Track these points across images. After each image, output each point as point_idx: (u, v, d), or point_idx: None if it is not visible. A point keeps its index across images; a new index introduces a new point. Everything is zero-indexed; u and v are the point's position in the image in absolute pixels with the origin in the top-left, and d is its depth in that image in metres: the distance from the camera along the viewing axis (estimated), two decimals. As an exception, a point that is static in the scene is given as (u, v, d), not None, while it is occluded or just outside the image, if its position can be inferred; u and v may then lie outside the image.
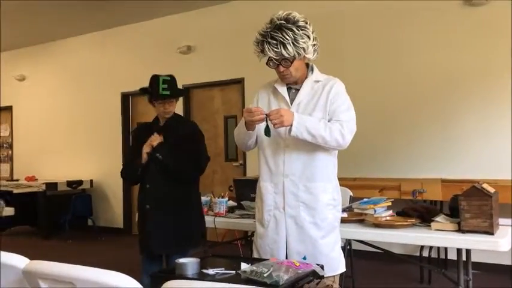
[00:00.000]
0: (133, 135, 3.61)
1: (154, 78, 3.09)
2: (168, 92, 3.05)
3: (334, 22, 5.53)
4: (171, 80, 3.11)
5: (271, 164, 2.37)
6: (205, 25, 6.72)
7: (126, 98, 7.63)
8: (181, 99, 6.89)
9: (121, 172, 3.26)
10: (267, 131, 2.23)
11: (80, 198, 7.47)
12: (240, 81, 6.41)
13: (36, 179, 8.06)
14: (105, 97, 7.77)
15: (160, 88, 3.02)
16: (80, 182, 7.64)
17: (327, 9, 5.55)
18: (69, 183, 7.52)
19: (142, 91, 3.18)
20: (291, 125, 2.18)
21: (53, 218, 7.29)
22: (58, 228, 7.26)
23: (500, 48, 4.72)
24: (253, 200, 3.33)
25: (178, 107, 6.95)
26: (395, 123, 5.30)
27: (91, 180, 7.79)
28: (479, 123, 4.83)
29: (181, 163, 3.06)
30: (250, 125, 2.29)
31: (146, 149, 3.06)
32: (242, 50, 6.29)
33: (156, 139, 3.06)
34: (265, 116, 2.20)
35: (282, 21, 2.18)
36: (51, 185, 7.37)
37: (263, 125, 2.24)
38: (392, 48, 5.32)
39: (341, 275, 2.42)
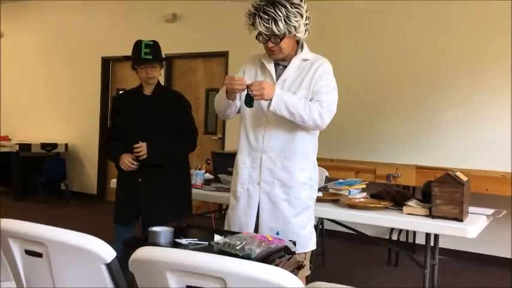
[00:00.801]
0: (113, 105, 3.44)
1: (137, 43, 3.05)
2: (150, 56, 3.00)
3: (318, 8, 5.49)
4: (153, 45, 3.05)
5: (251, 138, 2.37)
6: (193, -6, 6.60)
7: (106, 62, 7.49)
8: (163, 68, 6.83)
9: (106, 153, 3.23)
10: (249, 102, 2.22)
11: (54, 162, 7.37)
12: (224, 55, 6.34)
13: (10, 139, 7.90)
14: (86, 60, 7.61)
15: (142, 52, 2.97)
16: (55, 145, 7.53)
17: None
18: (44, 146, 7.41)
19: (126, 58, 3.13)
20: (271, 100, 2.18)
21: (26, 180, 7.18)
22: (30, 191, 7.17)
23: (485, 38, 4.76)
24: (230, 174, 3.34)
25: (160, 77, 6.90)
26: (374, 107, 5.33)
27: (66, 144, 7.68)
28: (458, 113, 4.89)
29: (176, 147, 3.07)
30: (230, 94, 2.28)
31: (131, 165, 3.00)
32: (228, 23, 6.22)
33: (142, 150, 2.96)
34: (246, 86, 2.19)
35: None
36: (25, 146, 7.25)
37: (244, 95, 2.23)
38: (374, 33, 5.31)
39: (312, 252, 2.46)
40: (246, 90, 2.19)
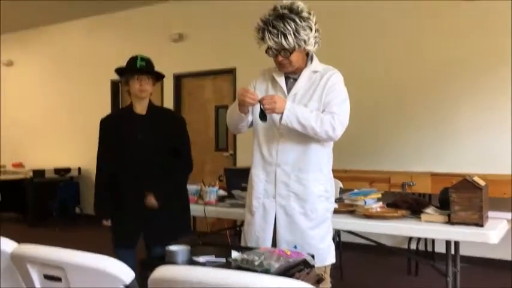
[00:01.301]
0: (102, 128, 3.04)
1: (132, 57, 2.99)
2: (144, 64, 2.93)
3: (331, 14, 5.51)
4: (148, 60, 2.99)
5: (264, 152, 2.36)
6: (198, 13, 6.66)
7: (115, 85, 7.55)
8: (171, 87, 6.88)
9: (95, 202, 3.05)
10: (262, 116, 2.22)
11: (68, 186, 7.41)
12: (231, 71, 6.37)
13: (23, 166, 7.97)
14: (95, 84, 7.69)
15: (138, 63, 2.91)
16: (68, 170, 7.58)
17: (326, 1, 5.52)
18: (57, 171, 7.46)
19: (118, 71, 3.03)
20: (283, 113, 2.17)
21: (40, 206, 7.22)
22: (45, 216, 7.19)
23: (496, 44, 4.72)
24: (243, 189, 3.32)
25: (168, 96, 6.96)
26: (386, 116, 5.30)
27: (79, 168, 7.72)
28: (469, 118, 4.85)
29: (179, 176, 3.04)
30: (242, 107, 2.27)
31: None
32: (234, 39, 6.27)
33: (153, 204, 2.89)
34: (258, 101, 2.19)
35: (285, 11, 2.15)
36: (39, 172, 7.29)
37: (258, 110, 2.23)
38: (386, 41, 5.31)
39: (331, 265, 2.43)
40: (259, 104, 2.19)
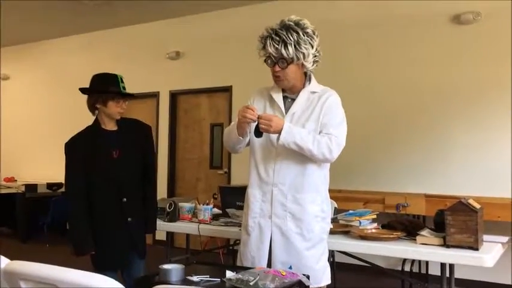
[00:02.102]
0: (70, 153, 2.86)
1: (111, 76, 2.87)
2: (126, 91, 2.84)
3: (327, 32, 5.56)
4: (123, 80, 2.91)
5: (261, 171, 2.35)
6: (195, 32, 6.71)
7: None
8: (167, 104, 6.89)
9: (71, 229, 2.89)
10: (257, 133, 2.24)
11: (60, 201, 7.32)
12: (227, 89, 6.39)
13: (16, 180, 7.90)
14: (90, 100, 7.66)
15: (121, 86, 2.83)
16: (61, 185, 7.50)
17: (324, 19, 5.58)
18: (50, 186, 7.39)
19: (86, 90, 2.91)
20: (280, 133, 2.19)
21: (32, 221, 7.13)
22: (36, 231, 7.11)
23: (488, 65, 4.79)
24: (238, 208, 3.31)
25: (164, 113, 6.94)
26: (380, 137, 5.33)
27: (72, 183, 7.64)
28: (465, 140, 4.89)
29: (154, 196, 3.05)
30: (240, 129, 2.28)
31: None
32: (231, 58, 6.31)
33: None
34: (257, 118, 2.21)
35: (291, 23, 2.20)
36: (31, 187, 7.23)
37: (254, 126, 2.25)
38: (380, 63, 5.36)
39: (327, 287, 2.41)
40: (256, 121, 2.21)
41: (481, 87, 4.83)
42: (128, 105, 2.92)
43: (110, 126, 2.89)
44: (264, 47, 2.24)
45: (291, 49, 2.18)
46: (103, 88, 2.84)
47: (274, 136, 2.26)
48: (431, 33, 5.07)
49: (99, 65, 7.61)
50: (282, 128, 2.19)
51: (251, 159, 2.41)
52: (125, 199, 2.83)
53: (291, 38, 2.17)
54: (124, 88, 2.84)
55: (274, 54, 2.22)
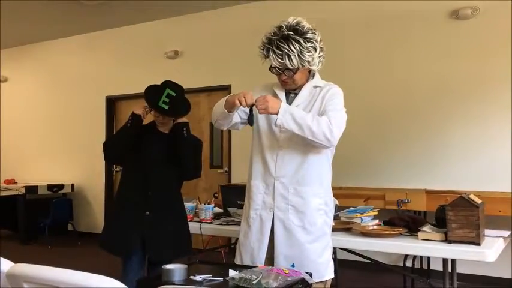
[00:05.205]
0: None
1: (161, 87, 2.94)
2: (166, 107, 2.89)
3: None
4: (176, 97, 2.93)
5: (264, 163, 2.35)
6: (193, 31, 6.70)
7: (110, 101, 7.55)
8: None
9: (104, 144, 3.22)
10: (251, 120, 2.24)
11: (61, 203, 7.33)
12: (226, 88, 6.39)
13: (16, 182, 7.90)
14: (90, 100, 7.68)
15: (161, 100, 2.88)
16: (61, 186, 7.52)
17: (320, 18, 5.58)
18: (50, 187, 7.39)
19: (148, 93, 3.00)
20: (278, 114, 2.16)
21: (33, 222, 7.13)
22: (38, 233, 7.11)
23: (487, 60, 4.79)
24: (239, 206, 3.31)
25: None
26: (380, 133, 5.33)
27: (72, 185, 7.66)
28: (465, 135, 4.89)
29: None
30: (229, 103, 2.27)
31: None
32: (229, 56, 6.30)
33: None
34: (251, 104, 2.19)
35: (291, 32, 2.16)
36: (31, 189, 7.22)
37: (250, 112, 2.25)
38: (379, 58, 5.36)
39: (332, 281, 2.42)
40: (250, 108, 2.20)
41: (480, 82, 4.83)
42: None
43: (163, 128, 3.11)
44: (267, 57, 2.21)
45: (295, 60, 2.16)
46: (146, 98, 2.98)
47: (277, 129, 2.25)
48: (430, 28, 5.07)
49: (97, 66, 7.63)
50: (279, 108, 2.16)
51: (253, 152, 2.41)
52: (149, 192, 3.02)
53: (293, 49, 2.14)
54: (165, 103, 2.89)
55: (278, 66, 2.21)
